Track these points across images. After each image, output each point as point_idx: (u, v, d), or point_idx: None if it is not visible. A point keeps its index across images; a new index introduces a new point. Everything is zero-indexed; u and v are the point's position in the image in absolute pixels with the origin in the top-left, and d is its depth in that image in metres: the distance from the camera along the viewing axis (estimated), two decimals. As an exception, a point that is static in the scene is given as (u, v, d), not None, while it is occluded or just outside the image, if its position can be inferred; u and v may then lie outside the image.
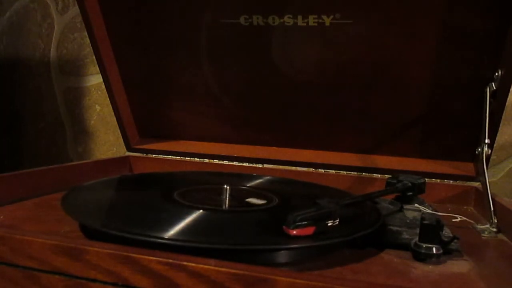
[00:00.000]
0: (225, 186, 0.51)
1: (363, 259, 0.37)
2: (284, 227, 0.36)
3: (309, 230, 0.36)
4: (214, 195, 0.51)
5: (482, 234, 0.46)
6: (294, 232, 0.35)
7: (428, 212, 0.45)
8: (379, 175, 0.64)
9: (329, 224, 0.37)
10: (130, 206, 0.47)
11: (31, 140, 1.13)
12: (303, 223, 0.36)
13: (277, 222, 0.37)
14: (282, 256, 0.36)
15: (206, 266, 0.28)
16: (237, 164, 0.71)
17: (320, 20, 0.57)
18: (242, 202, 0.49)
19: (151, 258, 0.29)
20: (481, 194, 0.55)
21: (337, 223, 0.38)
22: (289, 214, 0.36)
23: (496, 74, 0.53)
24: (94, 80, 1.04)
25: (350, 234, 0.37)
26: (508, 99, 0.54)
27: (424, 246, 0.37)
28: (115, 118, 0.74)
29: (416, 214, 0.45)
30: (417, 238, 0.38)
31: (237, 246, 0.34)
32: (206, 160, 0.73)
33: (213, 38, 0.65)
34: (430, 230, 0.37)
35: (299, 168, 0.69)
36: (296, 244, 0.35)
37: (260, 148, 0.71)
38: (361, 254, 0.38)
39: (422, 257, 0.37)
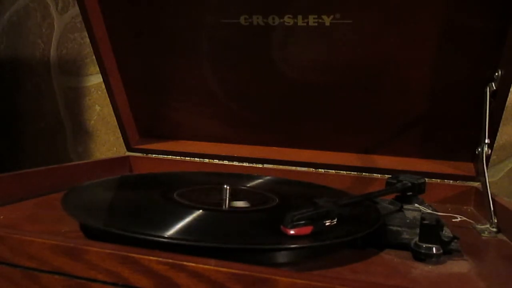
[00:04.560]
0: (225, 186, 0.51)
1: (363, 259, 0.37)
2: (282, 226, 0.36)
3: (307, 230, 0.36)
4: (214, 195, 0.51)
5: (482, 234, 0.46)
6: (292, 231, 0.35)
7: (428, 212, 0.45)
8: (379, 175, 0.64)
9: (326, 224, 0.37)
10: (130, 206, 0.47)
11: (31, 140, 1.13)
12: (301, 222, 0.36)
13: (277, 222, 0.37)
14: (280, 256, 0.36)
15: (206, 266, 0.28)
16: (237, 164, 0.71)
17: (320, 20, 0.57)
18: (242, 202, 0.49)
19: (151, 258, 0.29)
20: (481, 194, 0.55)
21: (335, 222, 0.38)
22: (287, 214, 0.36)
23: (496, 74, 0.53)
24: (94, 80, 1.04)
25: (347, 234, 0.37)
26: (508, 99, 0.54)
27: (424, 246, 0.37)
28: (115, 118, 0.74)
29: (416, 214, 0.45)
30: (417, 238, 0.38)
31: (230, 245, 0.34)
32: (206, 160, 0.73)
33: (213, 38, 0.65)
34: (430, 230, 0.37)
35: (299, 168, 0.69)
36: (292, 244, 0.35)
37: (260, 148, 0.71)
38: (361, 254, 0.38)
39: (422, 257, 0.37)
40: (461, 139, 0.60)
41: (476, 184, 0.60)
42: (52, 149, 1.11)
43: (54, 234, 0.40)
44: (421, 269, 0.36)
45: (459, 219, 0.49)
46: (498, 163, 0.78)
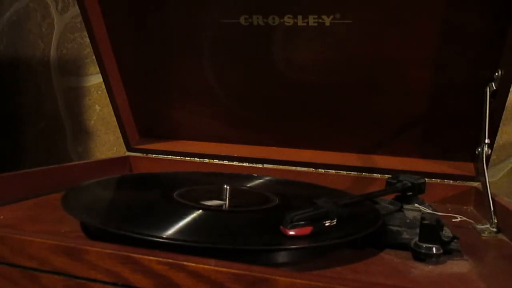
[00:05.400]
0: (225, 186, 0.51)
1: (363, 259, 0.37)
2: (281, 227, 0.36)
3: (306, 230, 0.36)
4: (214, 195, 0.51)
5: (482, 234, 0.46)
6: (291, 232, 0.35)
7: (428, 212, 0.45)
8: (379, 175, 0.64)
9: (326, 224, 0.37)
10: (130, 206, 0.47)
11: (31, 140, 1.13)
12: (300, 223, 0.36)
13: (277, 222, 0.37)
14: (280, 256, 0.36)
15: (206, 266, 0.28)
16: (237, 164, 0.71)
17: (320, 20, 0.57)
18: (242, 202, 0.49)
19: (151, 258, 0.29)
20: (481, 194, 0.55)
21: (334, 223, 0.38)
22: (286, 214, 0.36)
23: (496, 74, 0.53)
24: (94, 80, 1.04)
25: (346, 235, 0.37)
26: (508, 99, 0.54)
27: (424, 246, 0.37)
28: (115, 118, 0.74)
29: (416, 214, 0.45)
30: (417, 238, 0.38)
31: (228, 246, 0.34)
32: (206, 160, 0.73)
33: (213, 38, 0.65)
34: (430, 230, 0.37)
35: (299, 168, 0.69)
36: (292, 244, 0.35)
37: (260, 148, 0.71)
38: (361, 254, 0.38)
39: (422, 257, 0.37)
40: (461, 139, 0.60)
41: (476, 184, 0.60)
42: (52, 149, 1.11)
43: (54, 234, 0.40)
44: (421, 269, 0.36)
45: (459, 219, 0.49)
46: (498, 163, 0.78)
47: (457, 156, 0.62)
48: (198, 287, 0.28)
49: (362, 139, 0.66)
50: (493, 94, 0.54)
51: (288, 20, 0.58)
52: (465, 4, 0.52)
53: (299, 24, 0.58)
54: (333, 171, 0.67)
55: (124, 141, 0.77)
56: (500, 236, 0.46)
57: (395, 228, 0.42)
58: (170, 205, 0.45)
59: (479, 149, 0.54)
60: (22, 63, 1.11)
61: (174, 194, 0.48)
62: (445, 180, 0.62)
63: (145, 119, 0.76)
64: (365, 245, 0.40)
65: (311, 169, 0.68)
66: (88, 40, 0.69)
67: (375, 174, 0.64)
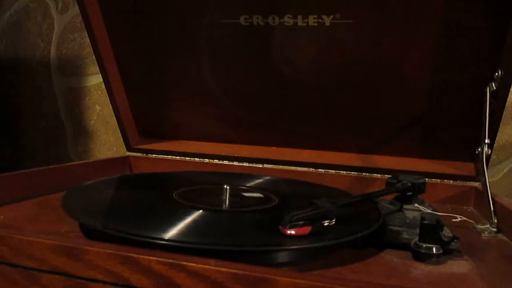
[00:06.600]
0: (225, 186, 0.51)
1: (363, 259, 0.37)
2: (280, 227, 0.36)
3: (305, 230, 0.36)
4: (214, 195, 0.51)
5: (482, 234, 0.46)
6: (290, 232, 0.35)
7: (428, 212, 0.45)
8: (379, 175, 0.64)
9: (325, 224, 0.37)
10: (130, 206, 0.47)
11: (31, 140, 1.13)
12: (299, 223, 0.36)
13: (276, 222, 0.37)
14: (279, 256, 0.36)
15: (206, 266, 0.28)
16: (237, 164, 0.71)
17: (320, 20, 0.57)
18: (242, 202, 0.49)
19: (151, 258, 0.29)
20: (481, 194, 0.55)
21: (333, 223, 0.38)
22: (285, 214, 0.36)
23: (496, 74, 0.53)
24: (94, 80, 1.04)
25: (346, 235, 0.37)
26: (508, 99, 0.54)
27: (424, 246, 0.37)
28: (115, 118, 0.74)
29: (416, 214, 0.45)
30: (417, 238, 0.38)
31: (225, 248, 0.34)
32: (206, 160, 0.73)
33: (213, 38, 0.65)
34: (430, 230, 0.37)
35: (299, 168, 0.69)
36: (291, 244, 0.35)
37: (260, 148, 0.71)
38: (361, 254, 0.38)
39: (422, 257, 0.37)
40: (461, 139, 0.60)
41: (476, 184, 0.60)
42: (52, 149, 1.11)
43: (54, 234, 0.40)
44: (421, 269, 0.36)
45: (459, 219, 0.49)
46: (498, 163, 0.78)
47: (457, 156, 0.62)
48: (198, 287, 0.28)
49: (362, 139, 0.66)
50: (493, 94, 0.54)
51: (288, 20, 0.58)
52: (465, 4, 0.52)
53: (299, 24, 0.58)
54: (333, 171, 0.67)
55: (124, 141, 0.77)
56: (500, 236, 0.46)
57: (395, 228, 0.42)
58: (170, 205, 0.45)
59: (479, 149, 0.54)
60: (22, 63, 1.11)
61: (174, 194, 0.48)
62: (445, 180, 0.62)
63: (145, 119, 0.76)
64: (365, 245, 0.40)
65: (311, 169, 0.68)
66: (88, 40, 0.69)
67: (375, 174, 0.64)
